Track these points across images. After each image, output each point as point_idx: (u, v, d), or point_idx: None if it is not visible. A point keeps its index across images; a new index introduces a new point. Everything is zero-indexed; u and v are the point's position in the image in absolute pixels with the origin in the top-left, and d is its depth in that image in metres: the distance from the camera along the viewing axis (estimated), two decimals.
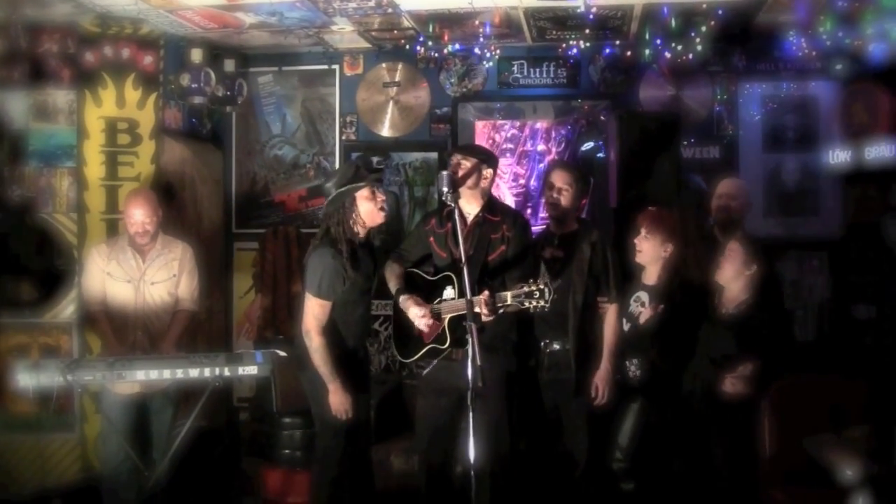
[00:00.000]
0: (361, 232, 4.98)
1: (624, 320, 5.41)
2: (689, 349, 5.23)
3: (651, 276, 5.40)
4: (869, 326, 7.31)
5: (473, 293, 4.47)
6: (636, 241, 5.37)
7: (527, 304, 4.58)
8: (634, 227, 5.43)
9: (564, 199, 5.39)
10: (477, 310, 4.53)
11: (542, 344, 5.37)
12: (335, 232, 4.90)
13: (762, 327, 5.02)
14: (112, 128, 6.43)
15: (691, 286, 5.31)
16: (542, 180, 5.76)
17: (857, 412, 4.69)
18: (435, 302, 4.94)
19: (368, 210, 4.92)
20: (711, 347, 5.13)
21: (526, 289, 4.57)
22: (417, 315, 4.85)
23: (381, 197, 4.96)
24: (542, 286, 4.54)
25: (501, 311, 4.70)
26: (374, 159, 7.98)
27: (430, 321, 4.84)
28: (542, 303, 4.55)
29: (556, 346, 5.34)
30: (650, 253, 5.34)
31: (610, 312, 5.36)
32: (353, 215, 4.90)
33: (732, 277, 5.12)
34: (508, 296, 4.63)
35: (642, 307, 5.36)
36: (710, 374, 5.05)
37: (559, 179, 5.41)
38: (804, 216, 7.56)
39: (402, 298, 4.97)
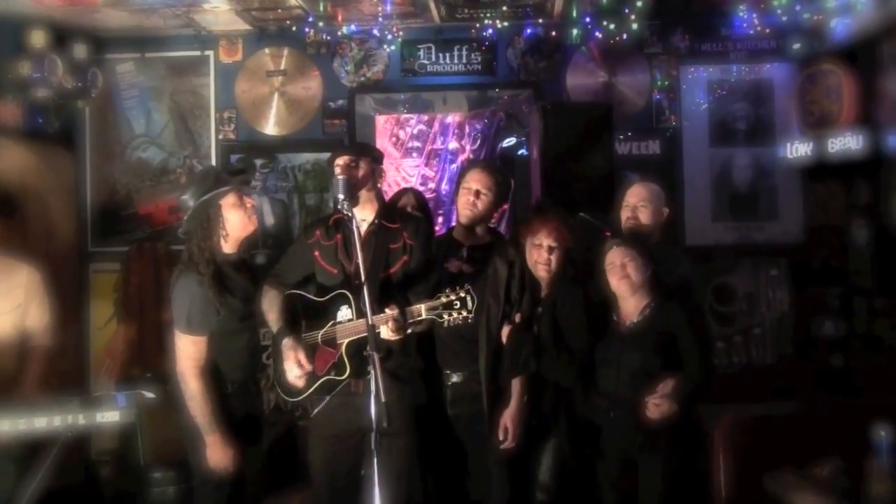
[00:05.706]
0: (231, 248, 4.76)
1: None
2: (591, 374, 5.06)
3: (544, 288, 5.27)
4: (836, 345, 7.31)
5: (374, 313, 4.32)
6: (545, 255, 5.19)
7: (445, 318, 4.49)
8: (534, 233, 5.26)
9: (482, 205, 5.26)
10: (382, 330, 4.43)
11: (443, 375, 5.23)
12: (198, 253, 4.66)
13: (677, 330, 4.85)
14: None
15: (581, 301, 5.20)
16: (456, 182, 5.62)
17: (824, 445, 4.43)
18: (328, 325, 4.72)
19: (237, 219, 4.71)
20: (625, 368, 4.89)
21: (444, 299, 4.47)
22: (294, 375, 4.66)
23: (249, 202, 4.77)
24: (462, 294, 4.46)
25: (411, 329, 4.60)
26: (258, 162, 7.91)
27: (304, 383, 4.67)
28: (464, 313, 4.47)
29: (456, 379, 5.21)
30: (558, 266, 5.19)
31: None
32: (220, 229, 4.69)
33: (627, 288, 4.97)
34: (423, 309, 4.52)
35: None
36: (631, 398, 4.80)
37: (478, 182, 5.27)
38: (759, 220, 7.67)
39: (285, 343, 4.74)
